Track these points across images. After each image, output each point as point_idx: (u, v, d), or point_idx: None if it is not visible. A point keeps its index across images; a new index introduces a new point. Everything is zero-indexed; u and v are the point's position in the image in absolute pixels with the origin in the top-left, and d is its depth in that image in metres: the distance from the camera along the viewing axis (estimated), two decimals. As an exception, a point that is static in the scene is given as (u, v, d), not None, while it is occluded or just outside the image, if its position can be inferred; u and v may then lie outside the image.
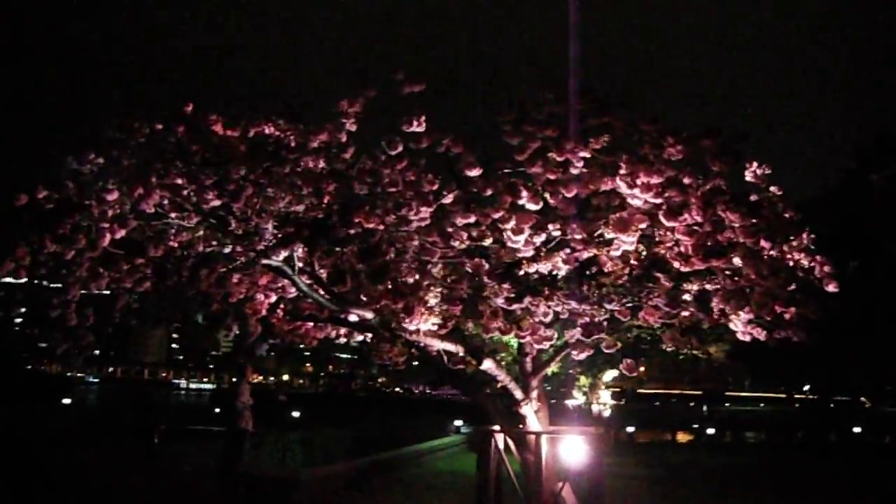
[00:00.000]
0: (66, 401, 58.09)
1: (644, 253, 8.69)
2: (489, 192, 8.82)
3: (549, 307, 8.80)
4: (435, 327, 11.83)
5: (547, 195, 8.78)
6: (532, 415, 11.67)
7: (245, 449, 12.51)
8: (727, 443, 46.12)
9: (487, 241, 9.03)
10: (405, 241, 9.30)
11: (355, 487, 14.26)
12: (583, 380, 25.18)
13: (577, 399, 26.21)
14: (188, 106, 9.43)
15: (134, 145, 9.39)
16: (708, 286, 8.76)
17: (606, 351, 9.24)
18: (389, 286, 9.02)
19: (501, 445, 12.13)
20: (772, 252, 8.72)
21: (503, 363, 11.92)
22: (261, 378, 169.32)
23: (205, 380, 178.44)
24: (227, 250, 9.83)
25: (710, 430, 46.25)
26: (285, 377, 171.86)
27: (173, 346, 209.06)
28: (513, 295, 8.70)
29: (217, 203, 9.10)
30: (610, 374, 23.87)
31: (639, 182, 8.24)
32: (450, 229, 8.92)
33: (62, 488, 11.72)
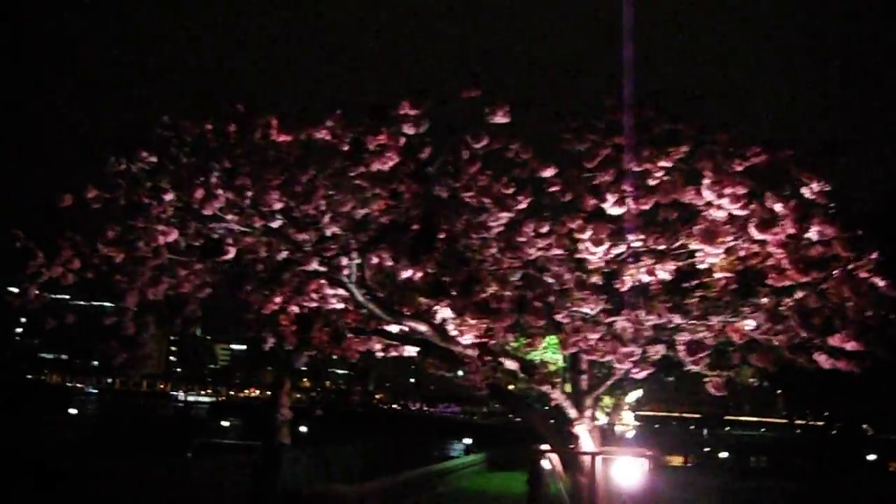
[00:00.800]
0: (73, 411, 57.57)
1: (738, 266, 8.25)
2: (568, 198, 8.39)
3: (642, 322, 8.38)
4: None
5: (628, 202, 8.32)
6: (586, 434, 11.26)
7: (283, 464, 12.05)
8: (740, 468, 45.45)
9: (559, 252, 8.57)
10: (483, 250, 8.88)
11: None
12: (606, 400, 24.61)
13: (599, 420, 25.68)
14: (239, 105, 9.00)
15: (189, 143, 9.01)
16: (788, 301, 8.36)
17: (692, 368, 8.78)
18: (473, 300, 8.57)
19: (548, 466, 11.74)
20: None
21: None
22: (258, 392, 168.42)
23: (202, 392, 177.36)
24: (282, 256, 9.44)
25: (723, 454, 45.67)
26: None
27: (171, 358, 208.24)
28: (610, 307, 8.29)
29: (279, 206, 8.74)
30: (633, 395, 23.28)
31: (727, 192, 7.87)
32: (522, 239, 8.54)
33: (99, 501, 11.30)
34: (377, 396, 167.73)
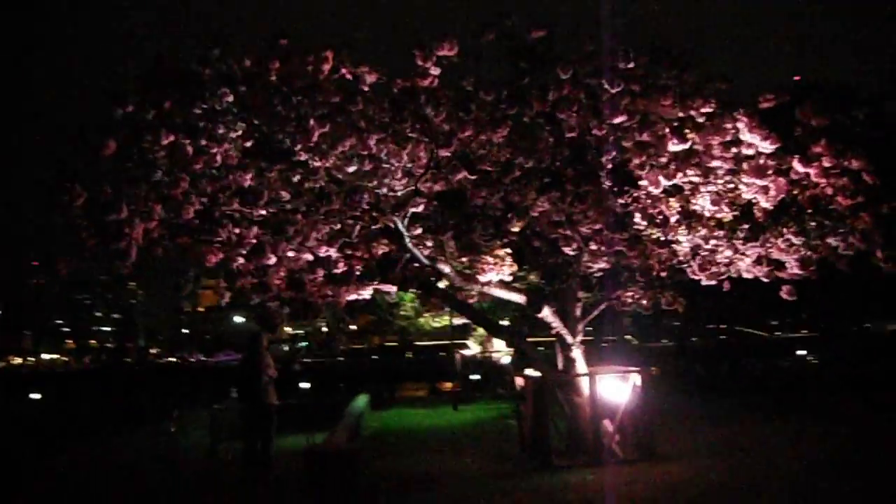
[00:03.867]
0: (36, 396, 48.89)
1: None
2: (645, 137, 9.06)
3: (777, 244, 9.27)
4: (510, 278, 12.09)
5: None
6: (580, 358, 12.19)
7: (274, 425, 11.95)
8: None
9: None
10: None
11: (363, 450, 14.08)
12: (480, 330, 25.97)
13: (471, 349, 27.02)
14: (283, 41, 8.41)
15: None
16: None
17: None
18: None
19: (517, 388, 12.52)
20: None
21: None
22: (20, 359, 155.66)
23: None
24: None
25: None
26: (45, 356, 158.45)
27: None
28: (749, 234, 9.09)
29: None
30: (503, 322, 24.60)
31: (765, 132, 8.82)
32: None
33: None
34: (151, 351, 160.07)
